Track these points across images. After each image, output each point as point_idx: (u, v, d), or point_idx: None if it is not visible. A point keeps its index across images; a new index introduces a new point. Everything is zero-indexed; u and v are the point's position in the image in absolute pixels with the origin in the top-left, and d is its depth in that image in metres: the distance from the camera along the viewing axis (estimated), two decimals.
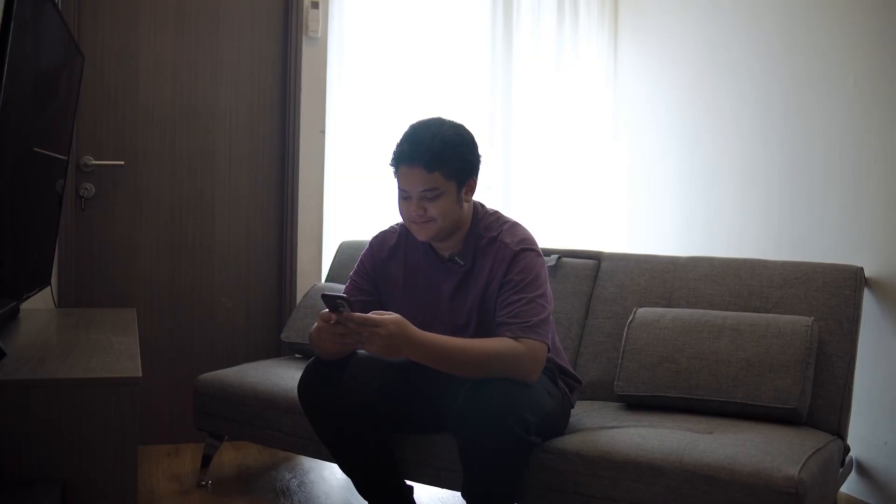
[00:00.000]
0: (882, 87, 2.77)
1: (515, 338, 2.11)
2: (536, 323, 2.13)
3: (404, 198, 2.23)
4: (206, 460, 3.02)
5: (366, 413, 2.24)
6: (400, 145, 2.22)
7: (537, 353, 2.13)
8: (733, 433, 2.25)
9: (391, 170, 2.26)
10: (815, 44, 3.04)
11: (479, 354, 2.09)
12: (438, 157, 2.15)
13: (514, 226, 2.29)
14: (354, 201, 3.81)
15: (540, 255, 2.25)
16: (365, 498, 2.38)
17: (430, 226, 2.21)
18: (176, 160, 3.57)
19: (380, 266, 2.38)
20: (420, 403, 2.32)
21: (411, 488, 2.42)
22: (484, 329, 2.24)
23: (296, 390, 2.68)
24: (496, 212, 2.35)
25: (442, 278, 2.31)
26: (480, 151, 2.29)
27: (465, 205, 2.26)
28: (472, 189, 2.27)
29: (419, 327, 2.35)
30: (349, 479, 2.44)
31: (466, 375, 2.09)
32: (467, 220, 2.28)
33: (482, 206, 2.35)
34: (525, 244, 2.23)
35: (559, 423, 2.30)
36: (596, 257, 2.99)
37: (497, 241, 2.24)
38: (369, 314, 2.03)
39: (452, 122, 2.26)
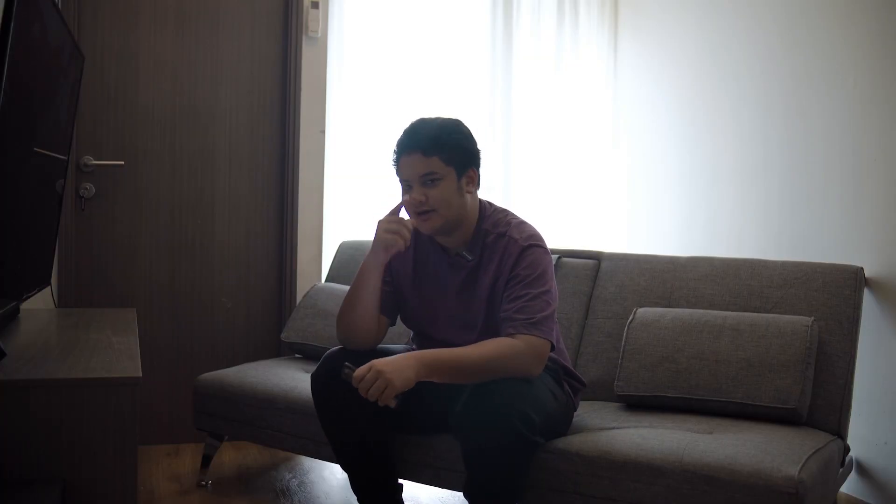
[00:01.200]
0: (882, 87, 2.77)
1: (516, 334, 2.12)
2: (540, 320, 2.14)
3: (407, 189, 2.25)
4: (206, 460, 3.02)
5: (370, 411, 2.24)
6: (399, 139, 2.26)
7: (538, 350, 2.14)
8: (733, 433, 2.25)
9: (392, 170, 2.28)
10: (815, 44, 3.04)
11: (478, 361, 2.09)
12: (435, 141, 2.20)
13: (522, 223, 2.31)
14: (354, 201, 3.81)
15: (547, 252, 2.26)
16: (356, 494, 2.39)
17: (433, 217, 2.22)
18: (176, 160, 3.57)
19: (393, 261, 2.38)
20: (422, 403, 2.32)
21: (401, 486, 2.42)
22: (492, 325, 2.25)
23: (296, 390, 2.70)
24: (504, 209, 2.37)
25: (449, 274, 2.32)
26: (481, 150, 2.31)
27: (469, 197, 2.28)
28: (473, 181, 2.29)
29: (426, 323, 2.38)
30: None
31: (472, 381, 2.10)
32: (473, 214, 2.29)
33: (490, 203, 2.37)
34: (533, 240, 2.25)
35: (562, 424, 2.30)
36: (596, 257, 2.99)
37: (506, 236, 2.26)
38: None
39: (450, 117, 2.30)
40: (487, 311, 2.27)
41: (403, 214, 2.30)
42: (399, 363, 2.04)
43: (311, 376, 2.32)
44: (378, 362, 2.03)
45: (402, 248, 2.24)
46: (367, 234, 3.52)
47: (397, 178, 2.29)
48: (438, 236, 2.31)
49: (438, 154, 2.20)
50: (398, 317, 2.45)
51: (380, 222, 2.26)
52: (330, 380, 2.25)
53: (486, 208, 2.34)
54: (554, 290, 2.23)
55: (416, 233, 2.38)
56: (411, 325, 2.46)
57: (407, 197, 2.24)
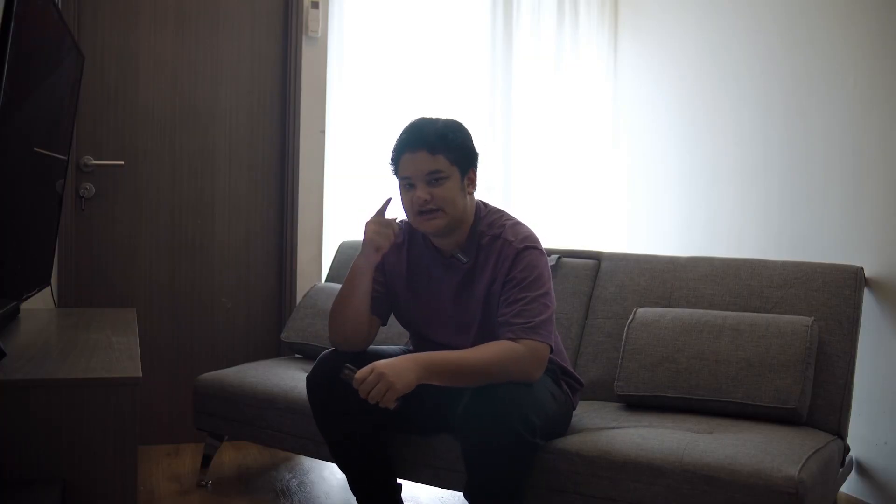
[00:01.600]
0: (882, 87, 2.77)
1: (516, 338, 2.11)
2: (538, 323, 2.13)
3: (408, 187, 2.22)
4: (206, 460, 3.02)
5: (368, 412, 2.24)
6: (401, 137, 2.25)
7: (538, 354, 2.13)
8: (733, 433, 2.25)
9: (390, 170, 2.27)
10: (815, 44, 3.05)
11: (478, 365, 2.08)
12: (442, 139, 2.19)
13: (517, 224, 2.29)
14: (354, 201, 3.80)
15: (543, 253, 2.25)
16: (356, 495, 2.39)
17: (437, 216, 2.20)
18: (176, 160, 3.57)
19: (387, 262, 2.37)
20: (423, 404, 2.32)
21: (400, 486, 2.42)
22: (488, 327, 2.24)
23: (296, 390, 2.70)
24: (499, 210, 2.35)
25: (444, 276, 2.31)
26: (479, 151, 2.31)
27: (469, 198, 2.27)
28: (473, 182, 2.28)
29: (422, 324, 2.37)
30: None
31: (472, 385, 2.09)
32: (470, 216, 2.29)
33: (484, 204, 2.35)
34: (528, 242, 2.23)
35: (562, 425, 2.30)
36: (596, 257, 2.99)
37: (500, 238, 2.24)
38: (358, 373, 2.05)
39: (452, 118, 2.30)
40: (483, 313, 2.26)
41: (389, 213, 2.29)
42: (400, 365, 2.04)
43: (307, 378, 2.31)
44: (380, 364, 2.03)
45: (387, 248, 2.25)
46: None
47: (396, 178, 2.27)
48: (436, 237, 2.30)
49: (444, 153, 2.19)
50: (390, 317, 2.44)
51: (368, 223, 2.25)
52: (326, 381, 2.25)
53: (481, 209, 2.33)
54: (551, 292, 2.22)
55: (410, 233, 2.38)
56: (407, 326, 2.45)
57: (410, 195, 2.22)
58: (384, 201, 2.28)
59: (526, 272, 2.18)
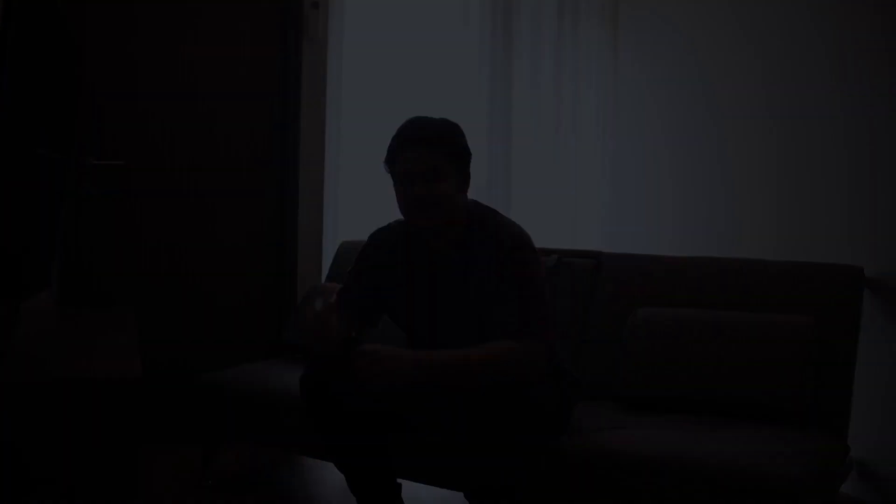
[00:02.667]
0: (882, 87, 2.77)
1: (512, 338, 2.11)
2: (534, 322, 2.13)
3: (406, 183, 2.22)
4: (206, 460, 3.02)
5: (366, 412, 2.25)
6: (397, 136, 2.24)
7: (535, 353, 2.13)
8: (733, 433, 2.25)
9: (384, 168, 2.28)
10: (816, 44, 3.05)
11: (476, 365, 2.08)
12: (440, 137, 2.20)
13: (509, 223, 2.29)
14: (354, 201, 3.80)
15: (536, 252, 2.24)
16: (356, 495, 2.38)
17: (435, 210, 2.20)
18: (176, 160, 3.57)
19: (379, 263, 2.37)
20: (422, 404, 2.32)
21: (400, 486, 2.42)
22: (483, 327, 2.23)
23: (296, 390, 2.69)
24: (492, 209, 2.35)
25: (437, 276, 2.31)
26: (478, 150, 2.32)
27: (462, 197, 2.27)
28: (466, 181, 2.28)
29: (417, 325, 2.36)
30: None
31: (468, 385, 2.09)
32: (464, 215, 2.28)
33: (477, 203, 2.35)
34: (521, 241, 2.22)
35: (560, 425, 2.30)
36: (596, 257, 2.99)
37: (492, 238, 2.24)
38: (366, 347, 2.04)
39: (446, 118, 2.30)
40: (478, 313, 2.25)
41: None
42: (403, 360, 2.03)
43: (300, 380, 2.30)
44: (386, 351, 2.03)
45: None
46: (367, 234, 3.54)
47: (391, 175, 2.27)
48: (430, 236, 2.29)
49: (443, 150, 2.19)
50: (382, 318, 2.43)
51: (313, 313, 2.18)
52: (322, 382, 2.25)
53: (474, 209, 2.32)
54: (545, 291, 2.22)
55: (401, 235, 2.36)
56: (401, 327, 2.45)
57: (408, 192, 2.21)
58: (335, 292, 2.28)
59: (519, 271, 2.18)
